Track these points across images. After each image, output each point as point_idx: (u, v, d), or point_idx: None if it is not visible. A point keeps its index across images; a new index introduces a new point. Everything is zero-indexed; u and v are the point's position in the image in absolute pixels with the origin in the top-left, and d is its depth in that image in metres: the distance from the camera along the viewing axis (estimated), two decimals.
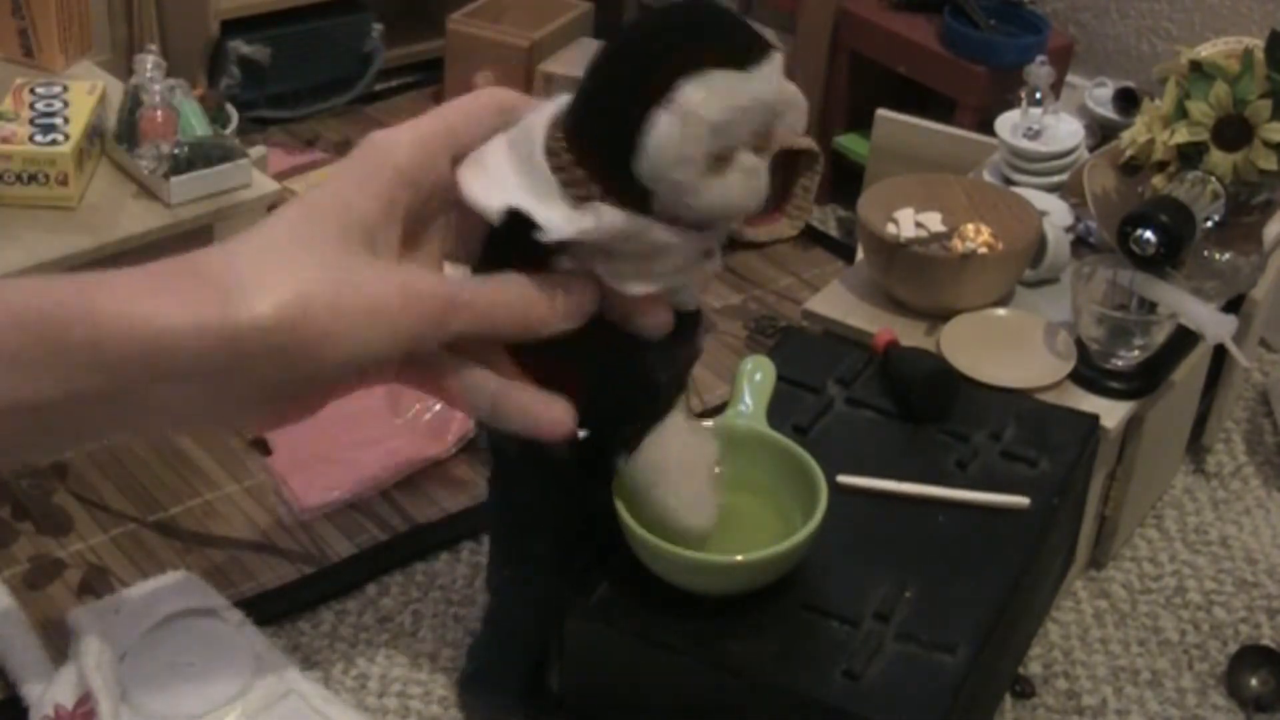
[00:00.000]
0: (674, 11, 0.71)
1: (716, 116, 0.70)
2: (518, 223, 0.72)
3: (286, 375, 0.67)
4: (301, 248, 0.68)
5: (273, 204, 1.53)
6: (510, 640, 1.06)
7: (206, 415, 0.69)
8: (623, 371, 0.78)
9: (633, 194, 0.72)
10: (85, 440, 0.68)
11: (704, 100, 0.69)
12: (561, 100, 0.74)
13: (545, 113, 0.74)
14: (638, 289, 0.75)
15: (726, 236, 0.79)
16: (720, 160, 0.71)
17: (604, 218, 0.72)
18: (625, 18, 2.16)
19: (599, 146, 0.72)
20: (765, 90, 0.71)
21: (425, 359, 0.74)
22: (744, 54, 0.70)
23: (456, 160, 0.74)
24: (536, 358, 0.76)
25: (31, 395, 0.64)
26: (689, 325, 0.80)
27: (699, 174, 0.71)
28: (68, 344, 0.64)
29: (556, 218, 0.72)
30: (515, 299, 0.73)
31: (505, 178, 0.73)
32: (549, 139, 0.73)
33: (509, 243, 0.74)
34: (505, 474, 1.00)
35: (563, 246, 0.73)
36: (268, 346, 0.65)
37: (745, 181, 0.73)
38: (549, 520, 0.98)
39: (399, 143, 0.72)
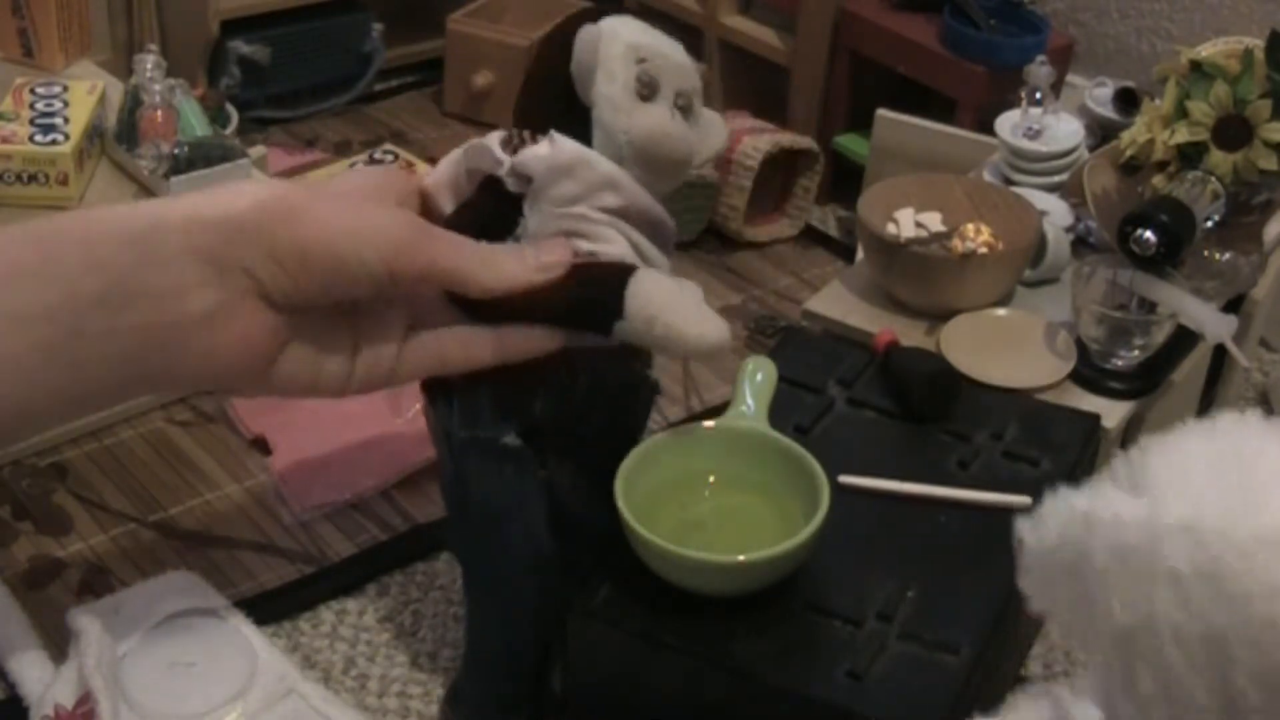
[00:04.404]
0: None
1: (631, 37, 0.85)
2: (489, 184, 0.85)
3: (272, 259, 0.71)
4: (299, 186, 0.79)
5: None
6: (488, 667, 1.05)
7: (205, 317, 0.71)
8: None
9: (575, 131, 0.84)
10: (88, 370, 0.69)
11: (622, 22, 0.85)
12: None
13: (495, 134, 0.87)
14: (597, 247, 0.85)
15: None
16: (646, 94, 0.84)
17: (557, 142, 0.84)
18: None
19: (542, 90, 0.87)
20: (677, 50, 0.87)
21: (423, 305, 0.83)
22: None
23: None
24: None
25: (29, 305, 0.66)
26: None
27: (626, 95, 0.84)
28: (61, 248, 0.69)
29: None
30: (489, 250, 0.81)
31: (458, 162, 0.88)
32: (502, 141, 0.86)
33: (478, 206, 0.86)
34: (461, 480, 0.99)
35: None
36: (254, 222, 0.71)
37: (670, 117, 0.85)
38: (513, 533, 0.97)
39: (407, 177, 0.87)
